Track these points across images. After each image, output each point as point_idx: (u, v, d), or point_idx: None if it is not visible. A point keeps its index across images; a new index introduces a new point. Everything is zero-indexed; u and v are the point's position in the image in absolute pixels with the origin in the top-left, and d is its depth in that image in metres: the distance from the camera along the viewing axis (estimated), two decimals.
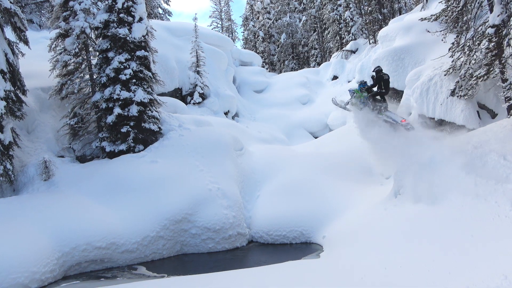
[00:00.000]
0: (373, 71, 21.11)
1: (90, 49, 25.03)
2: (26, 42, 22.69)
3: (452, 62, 20.57)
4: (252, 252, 19.82)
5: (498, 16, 16.67)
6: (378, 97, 20.85)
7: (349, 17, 55.12)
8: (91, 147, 24.16)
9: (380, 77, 20.54)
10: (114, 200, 19.57)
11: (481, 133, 16.90)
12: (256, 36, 78.39)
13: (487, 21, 17.72)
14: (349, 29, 55.87)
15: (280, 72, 72.03)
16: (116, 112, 23.33)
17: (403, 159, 17.60)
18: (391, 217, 15.81)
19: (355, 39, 54.29)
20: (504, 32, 16.85)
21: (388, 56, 27.94)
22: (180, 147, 23.58)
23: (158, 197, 19.81)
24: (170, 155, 22.88)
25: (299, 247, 19.55)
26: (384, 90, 20.54)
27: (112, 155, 23.39)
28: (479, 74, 18.31)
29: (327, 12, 60.57)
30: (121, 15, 24.19)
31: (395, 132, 19.10)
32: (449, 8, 20.91)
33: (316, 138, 35.63)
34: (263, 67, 68.38)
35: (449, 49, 20.74)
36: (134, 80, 23.97)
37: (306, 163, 24.17)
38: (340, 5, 57.68)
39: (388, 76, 20.76)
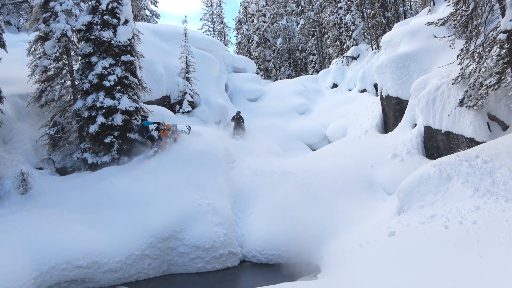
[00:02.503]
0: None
1: (72, 53, 25.09)
2: (3, 45, 22.68)
3: (460, 70, 20.63)
4: (244, 273, 19.77)
5: (511, 20, 16.74)
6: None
7: (350, 20, 55.25)
8: (72, 158, 24.16)
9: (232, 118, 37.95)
10: (96, 215, 19.53)
11: (492, 146, 16.97)
12: (250, 41, 78.46)
13: (499, 26, 17.77)
14: (350, 33, 56.00)
15: (276, 79, 72.10)
16: (99, 121, 23.37)
17: None
18: (394, 236, 15.84)
19: (356, 44, 54.41)
20: None
21: (392, 63, 28.05)
22: (168, 159, 23.57)
23: (143, 212, 19.74)
24: (157, 168, 22.87)
25: (294, 268, 19.46)
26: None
27: (94, 167, 23.42)
28: (489, 83, 18.33)
29: (327, 15, 60.69)
30: (105, 17, 24.28)
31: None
32: (457, 12, 20.97)
33: (314, 150, 35.55)
34: (258, 73, 68.42)
35: (458, 56, 20.80)
36: (118, 87, 24.05)
37: (304, 177, 24.15)
38: (340, 8, 57.75)
39: (239, 116, 37.64)
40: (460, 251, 12.35)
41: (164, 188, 21.33)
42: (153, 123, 25.25)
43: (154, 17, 60.14)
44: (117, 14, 24.75)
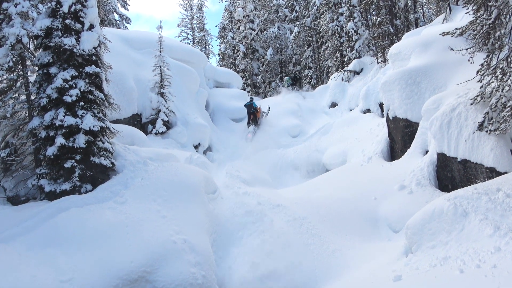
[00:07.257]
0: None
1: (28, 63, 24.94)
2: None
3: (480, 88, 20.66)
4: None
5: None
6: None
7: (353, 29, 55.51)
8: (27, 185, 24.00)
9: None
10: (53, 253, 19.30)
11: None
12: (235, 51, 78.77)
13: None
14: (352, 44, 56.27)
15: (265, 96, 72.39)
16: (59, 143, 23.21)
17: None
18: (401, 281, 15.87)
19: (359, 56, 54.68)
20: None
21: (400, 79, 28.14)
22: (138, 188, 23.47)
23: (109, 250, 19.49)
24: (125, 198, 22.78)
25: None
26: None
27: (52, 196, 23.21)
28: None
29: (325, 22, 61.13)
30: (67, 21, 24.11)
31: None
32: (478, 21, 20.99)
33: (308, 179, 35.65)
34: (244, 89, 68.63)
35: (477, 71, 20.81)
36: (81, 103, 23.88)
37: (296, 211, 24.15)
38: (341, 14, 58.04)
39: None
40: None
41: (133, 222, 21.17)
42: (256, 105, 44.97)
43: (124, 21, 60.22)
44: (81, 18, 24.60)
